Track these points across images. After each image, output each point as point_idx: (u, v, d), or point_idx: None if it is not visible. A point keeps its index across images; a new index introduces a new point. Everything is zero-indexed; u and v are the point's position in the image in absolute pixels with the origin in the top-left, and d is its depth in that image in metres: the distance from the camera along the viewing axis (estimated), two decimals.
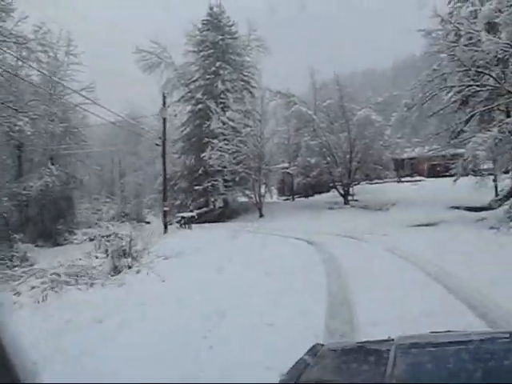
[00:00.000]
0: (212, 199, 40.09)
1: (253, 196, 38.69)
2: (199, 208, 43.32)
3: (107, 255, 17.04)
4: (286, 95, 36.84)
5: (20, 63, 35.74)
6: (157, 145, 32.12)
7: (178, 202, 42.51)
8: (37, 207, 33.87)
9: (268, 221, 33.35)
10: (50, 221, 33.94)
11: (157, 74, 43.83)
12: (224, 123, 37.19)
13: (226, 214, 40.28)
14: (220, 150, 36.06)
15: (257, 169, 37.59)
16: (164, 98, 32.11)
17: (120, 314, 8.36)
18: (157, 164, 52.64)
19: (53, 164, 34.77)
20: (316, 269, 12.31)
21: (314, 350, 2.33)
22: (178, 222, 33.07)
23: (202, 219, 41.03)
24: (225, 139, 37.10)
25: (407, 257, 13.35)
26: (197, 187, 39.27)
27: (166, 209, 31.80)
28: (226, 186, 38.90)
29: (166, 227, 31.40)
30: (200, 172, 40.13)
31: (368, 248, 16.43)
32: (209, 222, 38.96)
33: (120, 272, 13.80)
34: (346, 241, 18.86)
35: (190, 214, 34.15)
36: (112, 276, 13.16)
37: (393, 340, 2.28)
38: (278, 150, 40.23)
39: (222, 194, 38.74)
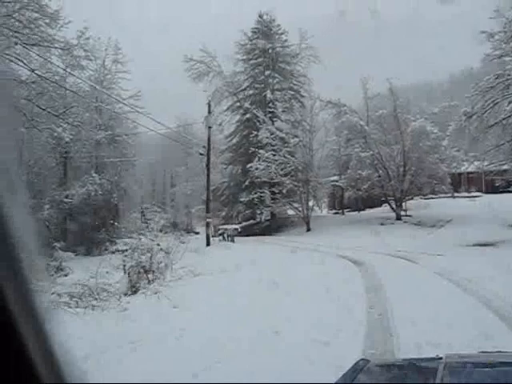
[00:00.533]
0: (258, 212, 38.81)
1: (300, 209, 37.16)
2: (246, 220, 42.28)
3: (124, 271, 16.13)
4: (336, 105, 35.33)
5: (67, 70, 35.86)
6: (201, 154, 31.09)
7: (223, 214, 41.49)
8: (79, 215, 33.33)
9: (315, 235, 31.85)
10: (91, 230, 33.33)
11: (206, 83, 43.20)
12: (272, 133, 36.02)
13: (272, 227, 38.96)
14: (266, 161, 34.83)
15: (305, 181, 36.16)
16: (209, 105, 31.12)
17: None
18: (215, 176, 52.22)
19: (97, 172, 34.21)
20: (356, 306, 9.79)
21: (359, 366, 2.29)
22: (220, 235, 31.92)
23: (247, 232, 39.99)
24: (272, 150, 35.93)
25: (467, 286, 11.36)
26: (242, 199, 38.12)
27: (209, 220, 30.71)
28: (272, 199, 37.63)
29: (208, 240, 30.27)
30: (246, 183, 38.99)
31: (421, 273, 14.48)
32: (254, 235, 37.85)
33: (137, 291, 12.57)
34: (397, 263, 17.11)
35: (233, 226, 32.98)
36: (126, 296, 11.94)
37: (441, 358, 2.20)
38: (327, 162, 38.74)
39: (268, 206, 37.43)
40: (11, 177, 1.06)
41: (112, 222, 36.16)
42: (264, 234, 37.72)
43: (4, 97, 1.13)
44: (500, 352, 2.37)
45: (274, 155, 35.37)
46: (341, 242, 25.10)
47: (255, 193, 37.36)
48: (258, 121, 37.36)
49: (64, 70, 31.69)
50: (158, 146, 59.66)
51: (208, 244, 29.89)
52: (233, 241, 30.56)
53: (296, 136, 36.04)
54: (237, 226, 33.54)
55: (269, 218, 41.83)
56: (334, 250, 21.68)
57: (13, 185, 1.05)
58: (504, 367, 2.11)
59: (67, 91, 34.70)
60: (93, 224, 33.79)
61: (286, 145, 35.61)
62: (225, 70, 43.58)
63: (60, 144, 33.90)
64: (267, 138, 35.87)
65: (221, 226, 34.65)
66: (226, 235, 31.59)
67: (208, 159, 30.83)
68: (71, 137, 34.44)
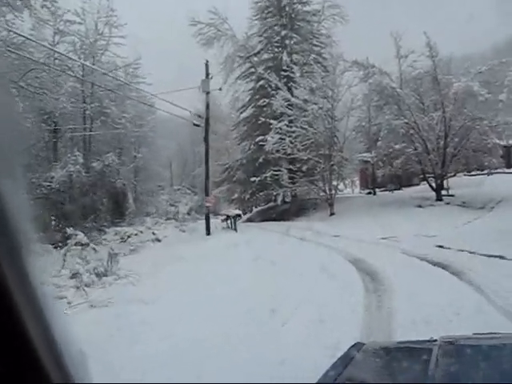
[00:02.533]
0: (274, 193, 33.52)
1: (323, 190, 31.66)
2: (265, 203, 37.36)
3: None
4: (363, 65, 29.57)
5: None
6: (195, 125, 25.93)
7: (235, 196, 36.46)
8: (59, 201, 28.58)
9: (338, 221, 26.43)
10: (77, 217, 28.63)
11: (217, 50, 37.99)
12: (287, 101, 30.63)
13: (291, 211, 33.69)
14: (280, 133, 29.51)
15: (327, 157, 30.69)
16: (207, 67, 25.83)
17: None
18: (231, 154, 47.39)
19: (79, 150, 29.41)
20: None
21: (355, 349, 2.33)
22: (222, 221, 26.83)
23: (262, 217, 35.03)
24: (288, 120, 30.57)
25: None
26: (253, 178, 32.86)
27: (208, 205, 25.68)
28: (290, 178, 32.24)
29: (208, 229, 25.33)
30: (260, 160, 33.73)
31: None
32: (270, 220, 32.81)
33: None
34: (436, 275, 10.88)
35: (236, 211, 27.80)
36: None
37: (435, 340, 2.24)
38: (355, 135, 32.98)
39: (284, 186, 32.08)
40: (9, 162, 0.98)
41: (105, 207, 31.60)
42: (281, 219, 32.56)
43: None
44: (493, 334, 2.44)
45: (290, 126, 29.98)
46: (365, 231, 19.83)
47: (269, 171, 31.84)
48: (273, 88, 31.96)
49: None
50: (183, 125, 56.03)
51: (208, 233, 24.99)
52: (235, 229, 25.47)
53: (316, 104, 30.41)
54: (239, 212, 28.36)
55: (289, 200, 36.61)
56: (354, 244, 16.46)
57: (11, 171, 0.99)
58: (497, 349, 2.15)
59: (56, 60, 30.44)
60: (78, 210, 29.10)
61: (304, 114, 30.12)
62: (237, 33, 38.23)
63: (50, 119, 29.61)
64: (282, 106, 30.43)
65: (223, 212, 29.58)
66: (229, 222, 26.50)
67: (206, 132, 25.76)
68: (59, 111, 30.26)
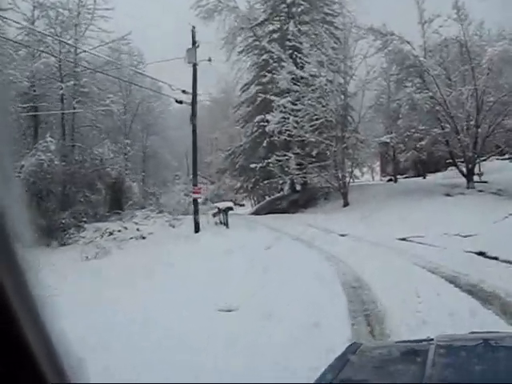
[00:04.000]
0: (280, 182, 29.52)
1: (336, 177, 27.48)
2: (271, 193, 33.57)
3: None
4: (380, 33, 25.27)
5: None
6: (178, 102, 21.93)
7: (237, 185, 32.58)
8: (30, 193, 24.78)
9: (350, 213, 22.34)
10: (52, 212, 24.90)
11: (219, 23, 34.12)
12: (293, 75, 26.54)
13: (299, 202, 29.72)
14: (283, 112, 25.46)
15: (340, 139, 26.57)
16: (193, 34, 21.73)
17: None
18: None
19: (52, 136, 25.57)
20: None
21: (352, 349, 2.31)
22: (214, 216, 22.89)
23: (267, 209, 31.21)
24: (296, 98, 26.48)
25: None
26: (254, 165, 28.82)
27: (196, 196, 21.76)
28: (298, 164, 28.11)
29: (197, 225, 21.51)
30: (264, 145, 29.70)
31: None
32: (275, 213, 28.96)
33: None
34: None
35: (226, 204, 23.83)
36: None
37: (432, 340, 2.20)
38: (371, 112, 28.58)
39: (291, 174, 27.98)
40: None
41: (84, 200, 27.89)
42: (287, 211, 28.68)
43: None
44: (490, 332, 2.47)
45: (296, 104, 25.87)
46: (381, 228, 15.83)
47: (273, 156, 27.63)
48: (277, 61, 27.86)
49: None
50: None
51: (197, 230, 21.20)
52: (226, 225, 21.57)
53: (328, 80, 26.16)
54: (230, 204, 24.30)
55: (299, 189, 32.60)
56: (356, 254, 12.40)
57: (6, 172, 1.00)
58: (494, 347, 2.15)
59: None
60: (52, 204, 25.41)
61: (312, 90, 26.00)
62: (240, 4, 34.26)
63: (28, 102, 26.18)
64: (287, 81, 26.33)
65: (215, 204, 25.67)
66: (221, 216, 22.55)
67: (193, 110, 21.81)
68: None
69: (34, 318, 0.98)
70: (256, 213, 34.36)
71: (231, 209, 22.88)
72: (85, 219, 26.08)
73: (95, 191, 30.86)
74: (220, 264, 11.42)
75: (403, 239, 13.69)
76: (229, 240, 16.61)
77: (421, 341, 2.32)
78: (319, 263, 10.84)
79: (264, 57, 30.95)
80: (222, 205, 23.26)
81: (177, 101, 21.45)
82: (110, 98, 29.44)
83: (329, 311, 7.04)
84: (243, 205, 47.56)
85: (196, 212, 21.73)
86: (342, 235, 15.47)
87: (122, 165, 33.66)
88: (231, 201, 55.06)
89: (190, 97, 21.81)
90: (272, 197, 36.30)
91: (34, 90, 27.24)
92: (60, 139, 27.02)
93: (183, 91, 21.14)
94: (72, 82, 26.66)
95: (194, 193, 21.81)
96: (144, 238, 24.05)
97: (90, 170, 28.55)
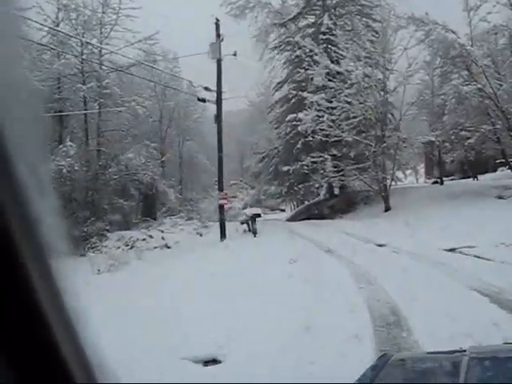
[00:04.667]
0: (316, 186, 27.58)
1: (376, 179, 25.34)
2: (308, 198, 31.81)
3: None
4: (422, 21, 23.08)
5: None
6: (201, 100, 20.29)
7: (270, 190, 30.83)
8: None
9: (392, 219, 20.21)
10: (74, 221, 23.55)
11: (251, 20, 32.64)
12: (328, 70, 24.64)
13: (336, 206, 27.74)
14: (317, 110, 23.57)
15: (380, 138, 24.49)
16: (217, 26, 20.10)
17: None
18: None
19: (72, 141, 24.26)
20: None
21: (383, 360, 2.26)
22: (242, 223, 21.11)
23: (306, 214, 29.40)
24: (332, 95, 24.55)
25: None
26: (286, 168, 26.95)
27: (221, 202, 20.06)
28: (335, 166, 26.14)
29: (223, 231, 19.84)
30: (299, 146, 27.81)
31: None
32: (311, 219, 27.12)
33: None
34: None
35: (254, 210, 22.01)
36: None
37: (464, 351, 2.13)
38: (414, 109, 26.28)
39: (327, 176, 26.02)
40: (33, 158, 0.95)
41: (111, 207, 26.57)
42: (324, 217, 26.73)
43: None
44: None
45: (331, 101, 23.94)
46: (426, 235, 13.77)
47: (308, 158, 25.68)
48: (311, 56, 25.96)
49: None
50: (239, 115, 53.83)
51: (223, 237, 19.59)
52: (254, 233, 19.77)
53: (366, 75, 24.07)
54: (258, 211, 22.42)
55: (337, 193, 30.60)
56: (395, 271, 10.37)
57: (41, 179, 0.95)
58: None
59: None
60: (73, 213, 24.09)
61: (348, 86, 24.03)
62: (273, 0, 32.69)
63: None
64: (322, 77, 24.43)
65: (244, 211, 23.90)
66: (250, 223, 20.74)
67: (218, 109, 20.14)
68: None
69: (61, 318, 0.94)
70: (292, 219, 32.59)
71: (259, 215, 21.03)
72: (108, 228, 24.73)
73: (128, 197, 29.66)
74: (228, 284, 9.64)
75: (451, 250, 11.64)
76: (252, 250, 14.81)
77: (453, 352, 2.21)
78: (347, 286, 8.92)
79: (297, 53, 29.11)
80: (249, 211, 21.49)
81: (199, 99, 19.83)
82: (136, 101, 27.93)
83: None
84: (283, 210, 45.77)
85: (222, 219, 20.07)
86: (381, 245, 13.46)
87: (154, 170, 32.18)
88: (266, 207, 53.77)
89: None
90: (310, 202, 34.40)
91: (60, 93, 26.09)
92: (82, 144, 25.77)
93: (205, 88, 19.49)
94: (95, 83, 25.32)
95: (219, 199, 20.10)
96: (169, 247, 22.58)
97: (115, 176, 27.21)
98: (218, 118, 20.19)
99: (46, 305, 0.91)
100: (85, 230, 23.76)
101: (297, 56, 29.39)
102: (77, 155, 23.53)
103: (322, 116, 23.54)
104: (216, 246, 18.39)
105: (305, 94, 24.80)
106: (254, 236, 19.41)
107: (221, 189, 20.36)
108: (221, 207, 20.27)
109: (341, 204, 28.15)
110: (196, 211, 32.31)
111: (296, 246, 14.67)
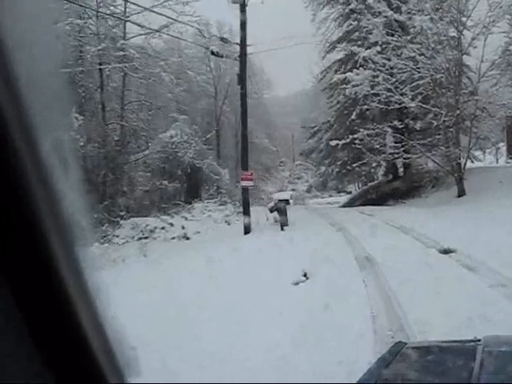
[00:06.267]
0: (373, 165, 22.85)
1: (448, 157, 20.35)
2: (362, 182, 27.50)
3: None
4: None
5: None
6: (214, 54, 15.92)
7: (321, 170, 26.43)
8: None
9: (467, 208, 15.25)
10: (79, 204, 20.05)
11: None
12: (388, 22, 19.80)
13: (399, 190, 23.01)
14: (369, 68, 18.85)
15: (452, 106, 19.48)
16: None
17: None
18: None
19: (83, 112, 20.52)
20: None
21: (396, 348, 2.24)
22: (270, 211, 16.63)
23: (365, 198, 25.12)
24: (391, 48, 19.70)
25: None
26: (334, 142, 22.21)
27: (245, 184, 15.78)
28: (396, 142, 21.28)
29: (247, 224, 15.68)
30: (353, 117, 23.08)
31: None
32: (371, 205, 22.64)
33: None
34: None
35: (284, 194, 17.46)
36: None
37: (479, 340, 2.12)
38: (496, 70, 20.85)
39: (383, 153, 21.20)
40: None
41: (119, 192, 22.89)
42: (383, 203, 22.20)
43: None
44: None
45: (389, 58, 19.09)
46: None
47: (361, 131, 20.87)
48: (368, 7, 21.08)
49: None
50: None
51: (247, 231, 15.49)
52: (282, 225, 15.36)
53: (438, 32, 18.94)
54: (287, 196, 17.69)
55: (401, 174, 25.74)
56: (474, 294, 5.96)
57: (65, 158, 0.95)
58: None
59: None
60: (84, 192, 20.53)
61: (411, 39, 19.09)
62: None
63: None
64: (378, 30, 19.57)
65: (273, 195, 19.41)
66: (277, 213, 16.23)
67: (242, 67, 15.84)
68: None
69: (92, 317, 0.94)
70: (348, 204, 28.03)
71: (287, 202, 16.50)
72: (122, 213, 21.03)
73: (170, 178, 26.83)
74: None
75: None
76: (265, 254, 10.52)
77: (467, 341, 2.18)
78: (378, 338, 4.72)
79: (351, 6, 24.11)
80: (277, 196, 17.03)
81: (213, 52, 15.48)
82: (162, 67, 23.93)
83: None
84: (350, 192, 41.59)
85: (246, 206, 15.88)
86: (447, 252, 8.86)
87: (197, 149, 28.71)
88: (333, 189, 49.52)
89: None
90: (369, 184, 29.70)
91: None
92: (94, 116, 22.09)
93: (222, 39, 15.26)
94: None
95: (242, 179, 15.82)
96: (188, 238, 18.70)
97: (143, 154, 23.53)
98: (242, 79, 15.85)
99: (75, 300, 0.88)
100: (94, 216, 20.19)
101: (351, 10, 24.47)
102: (83, 129, 19.81)
103: (377, 76, 18.72)
104: (234, 241, 14.27)
105: (356, 49, 20.05)
106: (281, 229, 15.03)
107: (244, 167, 16.05)
108: (244, 190, 16.03)
109: (403, 187, 23.36)
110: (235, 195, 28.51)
111: (324, 250, 10.22)
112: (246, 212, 15.86)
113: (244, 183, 15.76)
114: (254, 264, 9.27)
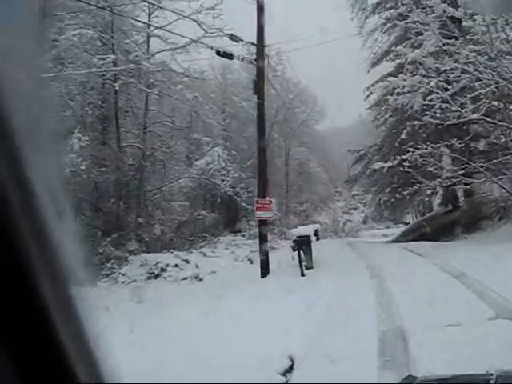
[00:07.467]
0: (428, 192, 19.37)
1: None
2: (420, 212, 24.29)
3: None
4: None
5: None
6: (220, 54, 12.79)
7: (367, 199, 23.22)
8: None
9: None
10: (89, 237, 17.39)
11: None
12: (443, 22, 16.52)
13: (459, 223, 19.45)
14: (424, 75, 15.54)
15: None
16: None
17: None
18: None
19: (81, 132, 17.88)
20: None
21: (406, 381, 2.23)
22: (293, 249, 13.35)
23: (415, 233, 22.08)
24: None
25: None
26: (378, 165, 18.86)
27: (261, 215, 12.65)
28: (456, 165, 17.73)
29: (265, 262, 12.59)
30: (403, 136, 19.68)
31: None
32: (424, 240, 19.28)
33: None
34: None
35: (303, 231, 13.94)
36: None
37: (491, 374, 2.07)
38: None
39: (439, 178, 17.61)
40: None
41: (132, 223, 20.10)
42: (438, 238, 18.76)
43: None
44: None
45: (442, 62, 15.73)
46: None
47: (412, 152, 17.41)
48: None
49: None
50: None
51: (265, 273, 12.44)
52: (304, 268, 12.06)
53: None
54: (308, 232, 14.00)
55: (461, 204, 22.03)
56: None
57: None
58: None
59: None
60: (87, 226, 17.93)
61: (471, 38, 15.73)
62: None
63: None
64: (432, 31, 16.28)
65: (292, 230, 16.06)
66: (301, 252, 12.92)
67: (259, 73, 12.94)
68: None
69: (67, 317, 0.94)
70: (401, 238, 24.57)
71: (309, 240, 13.10)
72: (132, 248, 18.24)
73: (208, 208, 26.04)
74: None
75: None
76: (275, 312, 7.46)
77: (479, 375, 2.16)
78: None
79: (399, 10, 20.88)
80: (296, 232, 13.70)
81: (219, 53, 12.61)
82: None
83: None
84: (408, 223, 38.02)
85: (263, 243, 12.81)
86: None
87: (235, 176, 26.36)
88: (389, 220, 46.05)
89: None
90: (425, 216, 26.13)
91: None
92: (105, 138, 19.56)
93: (231, 37, 12.45)
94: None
95: (257, 209, 12.70)
96: (201, 279, 15.72)
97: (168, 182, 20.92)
98: (257, 86, 12.92)
99: (51, 301, 0.88)
100: (100, 250, 17.50)
101: (399, 15, 21.26)
102: (87, 151, 17.20)
103: (429, 82, 15.34)
104: (251, 285, 11.26)
105: (403, 50, 16.75)
106: (302, 274, 11.77)
107: (262, 195, 12.96)
108: (262, 223, 12.95)
109: (464, 219, 19.74)
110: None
111: (350, 315, 6.94)
112: (264, 250, 12.76)
113: (259, 213, 12.65)
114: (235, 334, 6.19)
